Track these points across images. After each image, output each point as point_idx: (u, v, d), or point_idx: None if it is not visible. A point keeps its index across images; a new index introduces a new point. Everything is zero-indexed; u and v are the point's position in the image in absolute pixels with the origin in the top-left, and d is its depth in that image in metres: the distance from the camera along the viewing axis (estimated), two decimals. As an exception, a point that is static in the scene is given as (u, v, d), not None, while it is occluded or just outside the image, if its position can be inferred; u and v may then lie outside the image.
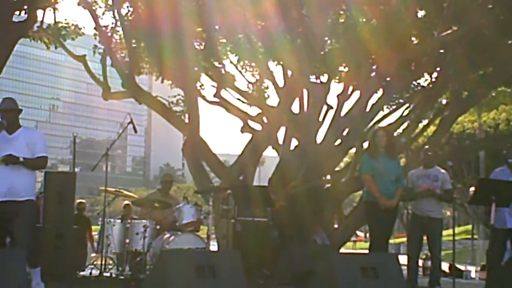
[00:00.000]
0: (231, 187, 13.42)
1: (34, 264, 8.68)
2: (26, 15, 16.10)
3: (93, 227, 16.03)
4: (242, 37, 19.10)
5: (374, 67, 18.54)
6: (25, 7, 16.11)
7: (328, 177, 18.91)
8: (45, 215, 11.28)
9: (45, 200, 11.46)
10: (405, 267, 10.65)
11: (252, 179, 18.07)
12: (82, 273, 12.05)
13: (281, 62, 19.02)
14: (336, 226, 19.60)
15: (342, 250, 18.78)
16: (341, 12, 17.52)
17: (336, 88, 20.25)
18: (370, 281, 8.49)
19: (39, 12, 17.48)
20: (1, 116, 8.61)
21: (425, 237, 11.42)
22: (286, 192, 11.61)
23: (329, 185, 19.31)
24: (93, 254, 13.99)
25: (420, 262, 13.70)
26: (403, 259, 9.93)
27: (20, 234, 8.42)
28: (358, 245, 52.66)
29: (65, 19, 20.17)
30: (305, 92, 18.61)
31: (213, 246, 13.43)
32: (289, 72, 18.28)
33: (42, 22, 18.80)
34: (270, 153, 18.84)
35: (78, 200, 15.98)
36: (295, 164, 12.23)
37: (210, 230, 11.92)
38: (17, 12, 16.04)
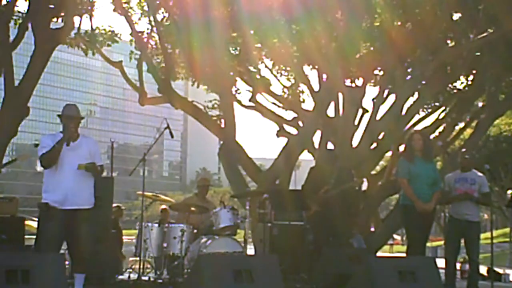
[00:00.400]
0: (267, 191, 13.45)
1: (81, 270, 8.77)
2: (63, 22, 16.29)
3: (130, 231, 16.11)
4: (277, 42, 19.15)
5: (409, 70, 18.49)
6: (62, 14, 16.31)
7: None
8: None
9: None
10: (443, 271, 10.61)
11: (288, 183, 18.09)
12: (120, 277, 12.17)
13: (316, 66, 19.05)
14: (372, 229, 19.56)
15: (379, 253, 18.71)
16: (376, 16, 17.48)
17: (371, 91, 20.26)
18: (408, 285, 8.47)
19: (76, 19, 17.67)
20: (66, 122, 8.72)
21: (462, 241, 11.37)
22: (319, 196, 11.59)
23: (362, 186, 19.29)
24: (131, 258, 14.08)
25: (458, 266, 13.60)
26: (440, 263, 9.89)
27: (81, 242, 8.61)
28: (395, 248, 52.37)
29: (102, 25, 20.34)
30: (340, 96, 18.61)
31: (250, 250, 13.46)
32: (324, 76, 18.29)
33: (79, 28, 18.97)
34: (306, 157, 18.85)
35: (115, 205, 16.11)
36: (328, 168, 12.19)
37: (247, 234, 11.97)
38: (54, 19, 16.24)
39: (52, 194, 8.64)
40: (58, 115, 8.89)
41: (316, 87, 19.24)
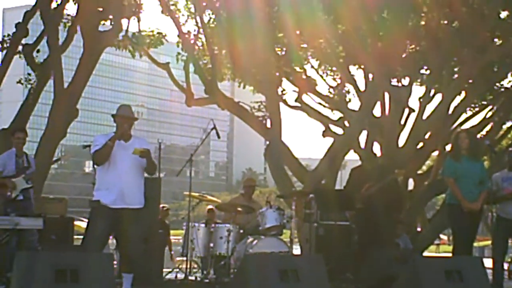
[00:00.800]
0: (313, 191, 13.46)
1: (129, 270, 8.86)
2: (111, 25, 16.50)
3: (177, 232, 16.22)
4: (323, 42, 19.15)
5: (456, 69, 18.37)
6: (110, 16, 16.51)
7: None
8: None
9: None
10: (490, 271, 10.53)
11: (334, 183, 18.09)
12: (167, 276, 12.27)
13: (362, 66, 19.02)
14: (419, 229, 19.46)
15: (425, 253, 18.61)
16: (422, 15, 17.40)
17: (417, 91, 20.17)
18: (455, 285, 8.43)
19: (124, 21, 17.88)
20: (120, 122, 8.82)
21: (510, 240, 11.26)
22: (362, 194, 11.56)
23: (408, 184, 19.23)
24: (178, 258, 14.19)
25: (506, 266, 13.46)
26: (488, 263, 9.83)
27: (132, 241, 8.66)
28: (442, 248, 51.91)
29: (149, 27, 20.54)
30: (386, 95, 18.55)
31: (296, 250, 13.48)
32: (370, 76, 18.25)
33: (126, 30, 19.18)
34: (351, 156, 18.82)
35: (162, 205, 16.23)
36: (369, 166, 12.15)
37: (293, 234, 11.99)
38: (102, 22, 16.46)
39: (103, 192, 8.71)
40: (112, 115, 8.94)
41: (362, 87, 19.21)
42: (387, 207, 11.39)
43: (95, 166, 8.89)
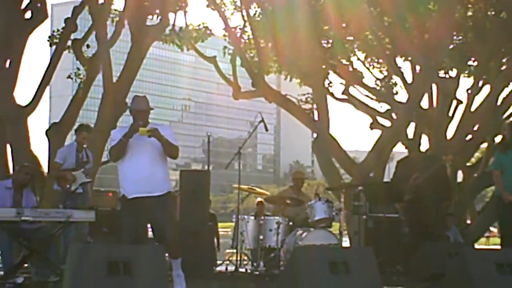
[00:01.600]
0: (362, 184, 13.46)
1: (175, 255, 8.89)
2: (159, 19, 16.61)
3: (227, 224, 16.27)
4: (369, 34, 19.09)
5: (504, 60, 18.19)
6: (157, 11, 16.63)
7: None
8: (181, 212, 11.57)
9: (180, 198, 11.78)
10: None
11: (382, 175, 18.04)
12: (218, 268, 12.36)
13: (409, 58, 18.91)
14: (468, 222, 19.33)
15: (476, 246, 18.47)
16: (469, 6, 17.25)
17: (465, 82, 20.05)
18: (506, 277, 8.37)
19: (171, 16, 17.99)
20: (136, 116, 8.63)
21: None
22: (410, 184, 11.48)
23: (457, 176, 19.09)
24: (228, 250, 14.26)
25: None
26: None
27: (163, 228, 8.58)
28: (492, 240, 51.42)
29: (196, 22, 20.65)
30: (434, 87, 18.42)
31: (345, 243, 13.49)
32: (418, 68, 18.15)
33: (173, 25, 19.31)
34: (399, 148, 18.74)
35: None
36: (415, 156, 12.04)
37: (342, 226, 11.99)
38: (150, 16, 16.58)
39: (127, 185, 8.64)
40: (128, 107, 8.89)
41: (409, 79, 19.12)
42: (436, 197, 11.31)
43: (112, 161, 8.84)
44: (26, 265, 10.55)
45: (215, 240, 15.12)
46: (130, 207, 8.57)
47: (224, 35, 20.18)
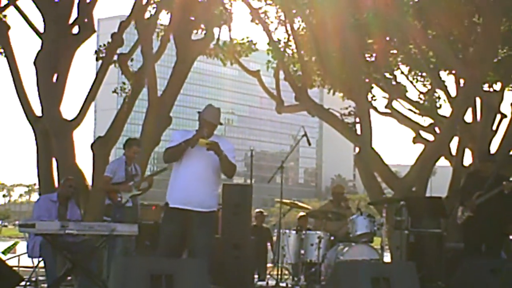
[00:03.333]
0: (404, 198, 13.39)
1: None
2: (204, 33, 16.74)
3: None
4: (413, 47, 19.03)
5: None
6: (202, 25, 16.76)
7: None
8: (223, 226, 11.60)
9: (223, 211, 11.81)
10: None
11: (425, 189, 17.92)
12: (259, 283, 12.39)
13: (453, 71, 18.81)
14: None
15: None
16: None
17: (510, 96, 19.86)
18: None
19: (215, 30, 18.12)
20: (203, 125, 8.46)
21: None
22: (472, 202, 11.34)
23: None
24: (269, 265, 14.29)
25: None
26: None
27: (204, 246, 8.41)
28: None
29: (240, 36, 20.77)
30: (478, 101, 18.30)
31: (386, 257, 13.42)
32: (462, 81, 18.04)
33: (218, 39, 19.43)
34: (442, 163, 18.63)
35: (257, 210, 16.34)
36: (485, 173, 11.85)
37: (384, 241, 11.95)
38: (195, 31, 16.71)
39: (174, 194, 8.50)
40: (199, 112, 8.62)
41: (453, 93, 19.01)
42: (495, 218, 11.21)
43: (164, 161, 8.64)
44: (69, 277, 10.68)
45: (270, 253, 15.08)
46: (171, 216, 8.48)
47: (268, 49, 20.27)
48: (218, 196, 8.70)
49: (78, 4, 15.65)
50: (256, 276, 12.88)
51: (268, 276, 13.11)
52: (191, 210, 8.34)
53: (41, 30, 15.66)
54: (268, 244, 15.55)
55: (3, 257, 12.12)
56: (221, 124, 8.72)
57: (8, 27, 16.03)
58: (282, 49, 20.20)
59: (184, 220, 8.36)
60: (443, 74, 19.85)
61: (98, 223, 10.28)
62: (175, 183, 8.51)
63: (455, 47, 17.38)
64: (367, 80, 19.40)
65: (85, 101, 15.46)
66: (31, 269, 10.91)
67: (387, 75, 20.36)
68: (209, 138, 8.34)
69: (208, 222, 8.45)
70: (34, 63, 14.99)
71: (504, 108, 19.70)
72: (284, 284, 11.91)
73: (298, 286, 11.58)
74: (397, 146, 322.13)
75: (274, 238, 12.68)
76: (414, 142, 20.00)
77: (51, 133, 14.95)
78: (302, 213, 14.58)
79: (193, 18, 16.24)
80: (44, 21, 15.49)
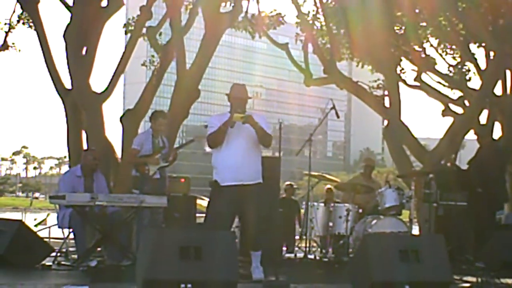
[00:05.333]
0: (433, 171, 13.36)
1: (254, 248, 8.96)
2: (232, 6, 16.69)
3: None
4: (443, 20, 18.88)
5: None
6: (231, -2, 16.73)
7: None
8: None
9: (251, 184, 11.82)
10: None
11: (454, 162, 17.83)
12: (288, 255, 12.44)
13: (483, 44, 18.64)
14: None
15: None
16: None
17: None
18: None
19: (244, 3, 18.05)
20: (234, 103, 8.88)
21: None
22: (483, 177, 11.31)
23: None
24: (297, 237, 14.33)
25: None
26: None
27: (250, 219, 8.79)
28: None
29: (268, 9, 20.68)
30: (508, 73, 18.13)
31: (415, 230, 13.43)
32: (491, 54, 17.88)
33: (246, 12, 19.37)
34: (471, 136, 18.49)
35: (287, 183, 16.37)
36: (496, 148, 11.85)
37: (412, 214, 11.95)
38: (223, 3, 16.66)
39: (220, 171, 8.85)
40: (226, 94, 9.06)
41: (482, 65, 18.86)
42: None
43: (209, 147, 8.99)
44: (99, 249, 10.79)
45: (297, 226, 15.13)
46: (222, 194, 8.78)
47: (297, 22, 20.19)
48: (261, 167, 9.05)
49: (107, -23, 15.67)
50: (284, 248, 12.92)
51: (296, 249, 13.16)
52: (244, 185, 8.73)
53: (70, 3, 15.70)
54: (296, 216, 15.61)
55: (35, 229, 12.24)
56: (250, 98, 9.08)
57: (38, 1, 16.09)
58: (310, 22, 20.11)
59: (237, 196, 8.73)
60: (473, 47, 19.68)
61: (127, 195, 10.38)
62: (223, 163, 8.86)
63: (485, 19, 17.20)
64: (396, 53, 19.27)
65: (114, 74, 15.49)
66: (62, 240, 11.02)
67: (416, 47, 20.21)
68: (242, 112, 8.73)
69: (259, 193, 8.85)
70: (64, 36, 15.03)
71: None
72: (312, 257, 11.96)
73: (326, 258, 11.63)
74: (426, 119, 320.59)
75: (302, 211, 12.69)
76: (443, 115, 19.88)
77: (81, 106, 15.02)
78: (329, 186, 14.59)
79: (221, -9, 16.21)
80: (73, -6, 15.55)
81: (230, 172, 8.76)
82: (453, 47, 20.76)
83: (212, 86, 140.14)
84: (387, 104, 18.67)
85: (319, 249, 12.51)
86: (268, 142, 8.91)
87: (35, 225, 17.31)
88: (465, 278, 9.35)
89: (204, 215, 10.04)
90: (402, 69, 20.48)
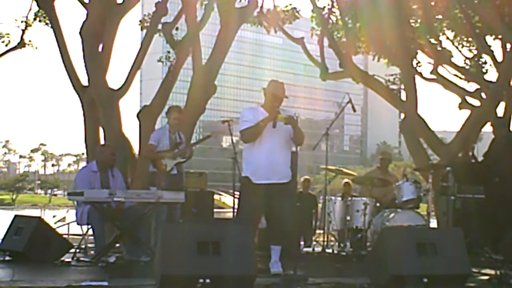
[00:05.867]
0: (450, 164, 13.33)
1: (276, 242, 8.96)
2: (247, 1, 16.71)
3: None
4: (459, 12, 18.80)
5: None
6: (246, -7, 16.74)
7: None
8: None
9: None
10: None
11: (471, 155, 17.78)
12: (305, 249, 12.45)
13: (499, 36, 18.56)
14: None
15: None
16: None
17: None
18: None
19: (259, -3, 18.06)
20: (271, 100, 8.93)
21: None
22: (500, 168, 11.27)
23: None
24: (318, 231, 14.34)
25: None
26: None
27: (277, 216, 8.81)
28: None
29: (283, 3, 20.68)
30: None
31: (432, 224, 13.40)
32: (508, 46, 17.80)
33: (261, 7, 19.38)
34: (488, 129, 18.42)
35: (304, 177, 16.38)
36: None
37: (430, 207, 11.93)
38: (238, -1, 16.69)
39: (252, 169, 8.89)
40: (263, 89, 9.05)
41: (499, 58, 18.76)
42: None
43: (243, 142, 9.00)
44: (117, 244, 10.84)
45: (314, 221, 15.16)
46: (253, 191, 8.83)
47: (312, 16, 20.17)
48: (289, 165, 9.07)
49: (123, -27, 15.72)
50: (302, 242, 12.94)
51: (314, 243, 13.18)
52: (275, 183, 8.78)
53: (86, 0, 15.76)
54: (313, 210, 15.62)
55: (54, 225, 12.32)
56: (286, 97, 9.09)
57: (54, -2, 16.18)
58: (326, 16, 20.09)
59: (268, 195, 8.76)
60: (489, 39, 19.58)
61: (145, 191, 10.44)
62: (256, 161, 8.89)
63: (501, 12, 17.12)
64: (412, 46, 19.21)
65: (130, 71, 15.55)
66: (80, 237, 11.08)
67: (432, 40, 20.14)
68: (274, 110, 8.80)
69: (289, 190, 9.03)
70: (80, 33, 15.09)
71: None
72: (330, 250, 11.98)
73: (344, 252, 11.64)
74: (442, 112, 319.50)
75: (320, 205, 12.70)
76: (460, 108, 19.81)
77: (98, 103, 15.08)
78: (347, 180, 14.60)
79: (237, -14, 16.23)
80: (89, -9, 15.61)
81: (263, 171, 8.82)
82: (469, 39, 20.65)
83: (228, 82, 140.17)
84: (403, 97, 18.65)
85: (337, 243, 12.52)
86: (303, 141, 9.01)
87: (55, 222, 17.39)
88: (483, 271, 9.33)
89: (220, 210, 10.06)
90: (418, 62, 20.43)
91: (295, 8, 20.59)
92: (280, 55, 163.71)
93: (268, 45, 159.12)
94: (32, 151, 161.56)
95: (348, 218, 11.89)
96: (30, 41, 20.11)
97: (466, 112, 18.52)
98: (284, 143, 8.90)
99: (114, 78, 15.22)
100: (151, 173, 11.40)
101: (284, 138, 8.86)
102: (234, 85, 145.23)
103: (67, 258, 10.10)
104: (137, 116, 15.23)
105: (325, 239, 12.14)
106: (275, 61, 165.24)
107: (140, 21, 18.14)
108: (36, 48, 20.32)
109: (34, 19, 19.40)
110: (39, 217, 11.09)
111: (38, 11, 18.91)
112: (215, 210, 13.50)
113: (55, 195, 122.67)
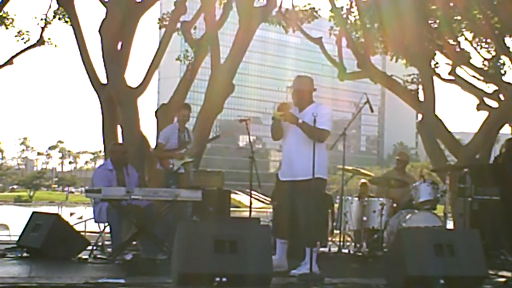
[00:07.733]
0: (467, 166, 13.29)
1: (305, 244, 8.84)
2: (266, 1, 16.73)
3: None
4: (477, 13, 18.75)
5: None
6: (265, -8, 16.74)
7: None
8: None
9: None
10: None
11: (488, 157, 17.73)
12: (321, 249, 12.42)
13: (518, 37, 18.52)
14: None
15: None
16: None
17: None
18: None
19: (278, -3, 18.06)
20: (292, 96, 9.03)
21: None
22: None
23: None
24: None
25: None
26: None
27: (298, 216, 8.72)
28: None
29: (302, 3, 20.69)
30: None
31: (449, 225, 13.37)
32: (527, 47, 17.76)
33: (280, 6, 19.39)
34: (506, 130, 18.36)
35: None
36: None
37: (447, 208, 11.90)
38: (257, -2, 16.71)
39: (282, 168, 9.03)
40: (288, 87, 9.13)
41: (518, 59, 18.70)
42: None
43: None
44: (134, 242, 10.88)
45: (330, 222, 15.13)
46: (281, 188, 8.97)
47: (330, 16, 20.17)
48: (320, 162, 8.65)
49: (142, -28, 15.76)
50: (318, 242, 12.90)
51: (330, 243, 13.16)
52: (296, 181, 8.73)
53: (106, -2, 15.84)
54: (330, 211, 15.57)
55: (71, 222, 12.37)
56: (315, 90, 9.20)
57: (74, -4, 16.24)
58: (344, 16, 20.07)
59: (290, 192, 8.79)
60: (508, 40, 19.52)
61: (162, 189, 10.45)
62: (282, 157, 9.08)
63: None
64: (430, 47, 19.17)
65: (149, 69, 15.60)
66: (97, 234, 11.13)
67: (451, 41, 20.09)
68: (300, 105, 8.87)
69: (306, 190, 8.57)
70: (99, 31, 15.14)
71: None
72: (346, 251, 11.95)
73: (360, 252, 11.61)
74: (460, 114, 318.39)
75: (336, 205, 12.67)
76: (478, 109, 19.76)
77: (116, 101, 15.13)
78: (364, 180, 14.58)
79: (255, -15, 16.24)
80: (108, -11, 15.66)
81: (285, 167, 8.89)
82: (488, 40, 20.59)
83: (246, 81, 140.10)
84: (421, 98, 18.61)
85: (353, 244, 12.49)
86: (318, 137, 8.66)
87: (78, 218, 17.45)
88: (500, 273, 9.31)
89: (236, 209, 10.08)
90: (437, 63, 20.39)
91: (313, 7, 20.60)
92: (298, 55, 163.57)
93: (287, 44, 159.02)
94: (50, 148, 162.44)
95: (365, 218, 11.86)
96: (49, 38, 20.23)
97: (484, 114, 18.48)
98: (302, 140, 8.68)
99: (133, 76, 15.29)
100: (158, 171, 11.48)
101: (301, 135, 8.70)
102: (253, 84, 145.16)
103: (84, 255, 10.14)
104: (155, 115, 15.28)
105: (342, 239, 12.13)
106: (293, 60, 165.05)
107: (159, 19, 18.20)
108: (55, 45, 20.43)
109: (54, 16, 19.52)
110: (57, 214, 11.15)
111: (58, 8, 19.02)
112: (231, 209, 13.49)
113: (72, 192, 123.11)
